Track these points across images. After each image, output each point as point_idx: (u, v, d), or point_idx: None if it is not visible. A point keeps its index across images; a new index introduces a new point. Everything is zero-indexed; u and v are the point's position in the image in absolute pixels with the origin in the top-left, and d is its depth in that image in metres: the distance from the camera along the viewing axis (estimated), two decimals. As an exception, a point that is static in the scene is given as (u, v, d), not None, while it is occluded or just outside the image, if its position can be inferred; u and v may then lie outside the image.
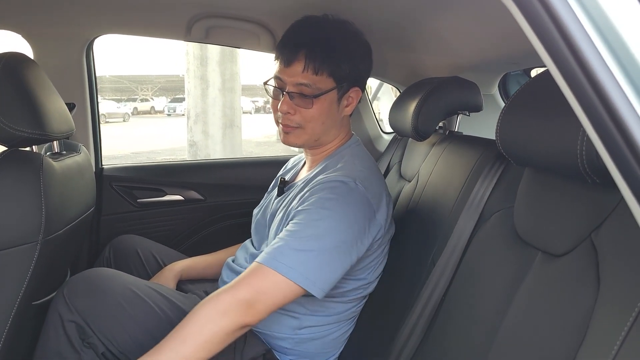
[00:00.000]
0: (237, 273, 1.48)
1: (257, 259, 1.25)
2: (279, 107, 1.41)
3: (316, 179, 1.39)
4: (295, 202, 1.39)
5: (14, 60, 1.31)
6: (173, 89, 36.77)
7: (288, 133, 1.45)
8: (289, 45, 1.42)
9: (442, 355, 1.16)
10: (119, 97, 33.19)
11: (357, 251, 1.30)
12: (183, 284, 1.74)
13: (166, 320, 1.38)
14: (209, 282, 1.74)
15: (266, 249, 1.27)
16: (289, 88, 1.40)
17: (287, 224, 1.33)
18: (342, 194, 1.30)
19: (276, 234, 1.37)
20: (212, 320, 1.17)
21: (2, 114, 1.22)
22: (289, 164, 1.80)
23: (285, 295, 1.23)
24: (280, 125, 1.45)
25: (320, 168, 1.47)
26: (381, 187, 1.43)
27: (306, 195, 1.34)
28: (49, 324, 1.36)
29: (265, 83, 1.48)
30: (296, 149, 1.69)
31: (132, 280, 1.47)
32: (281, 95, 1.41)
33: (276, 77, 1.44)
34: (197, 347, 1.14)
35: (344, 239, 1.28)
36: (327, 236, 1.26)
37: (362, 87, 1.51)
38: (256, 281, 1.22)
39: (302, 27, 1.46)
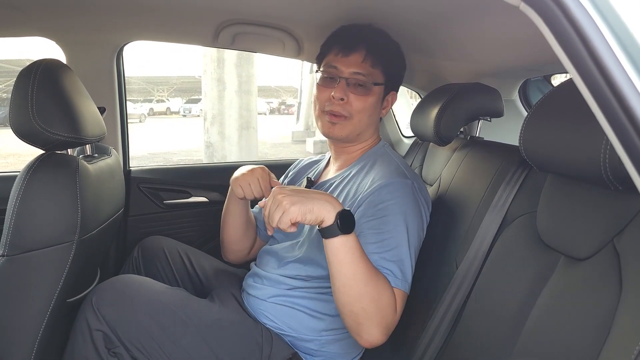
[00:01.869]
0: (265, 278, 1.53)
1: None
2: (333, 93, 1.46)
3: (365, 181, 1.43)
4: (341, 200, 1.44)
5: (50, 66, 1.35)
6: (188, 90, 36.95)
7: (334, 124, 1.49)
8: (349, 37, 1.48)
9: (465, 356, 1.19)
10: (135, 98, 33.46)
11: (421, 244, 1.39)
12: (211, 285, 1.76)
13: (194, 329, 1.39)
14: (234, 286, 1.74)
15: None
16: (346, 75, 1.45)
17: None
18: (406, 194, 1.37)
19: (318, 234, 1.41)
20: (368, 301, 1.19)
21: (40, 119, 1.26)
22: (302, 163, 1.83)
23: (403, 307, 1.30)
24: (327, 115, 1.49)
25: (358, 167, 1.52)
26: (422, 180, 1.51)
27: (368, 199, 1.37)
28: (76, 331, 1.36)
29: (317, 70, 1.54)
30: (312, 150, 1.72)
31: (159, 288, 1.48)
32: (337, 82, 1.46)
33: (330, 66, 1.49)
34: (353, 284, 1.18)
35: (418, 237, 1.36)
36: (409, 239, 1.32)
37: (397, 92, 1.58)
38: (399, 307, 1.27)
39: (357, 27, 1.53)
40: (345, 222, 1.14)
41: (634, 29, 0.62)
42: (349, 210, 1.17)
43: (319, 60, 1.57)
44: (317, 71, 1.55)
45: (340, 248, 1.16)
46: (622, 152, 0.63)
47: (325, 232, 1.15)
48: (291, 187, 1.19)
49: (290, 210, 1.12)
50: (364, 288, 1.18)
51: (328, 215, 1.14)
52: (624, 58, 0.61)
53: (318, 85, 1.52)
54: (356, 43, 1.46)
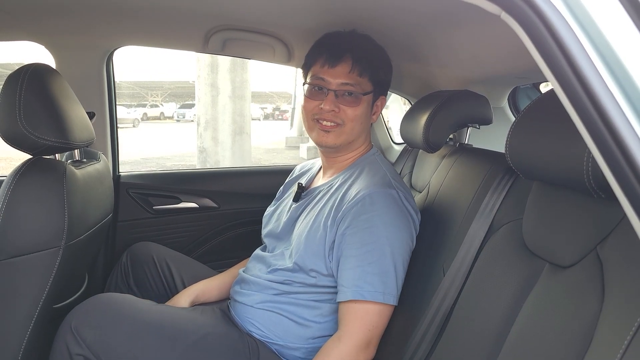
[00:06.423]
0: (252, 283, 1.52)
1: (346, 296, 1.31)
2: (323, 105, 1.45)
3: (351, 191, 1.42)
4: (327, 209, 1.43)
5: (38, 70, 1.35)
6: (182, 95, 36.96)
7: (328, 132, 1.48)
8: (334, 48, 1.47)
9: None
10: (129, 103, 33.41)
11: (411, 252, 1.41)
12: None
13: (180, 347, 1.36)
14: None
15: (345, 282, 1.32)
16: (334, 87, 1.45)
17: (332, 234, 1.39)
18: (390, 204, 1.37)
19: (307, 240, 1.42)
20: None
21: (27, 123, 1.26)
22: (296, 171, 1.83)
23: (388, 319, 1.34)
24: (318, 125, 1.49)
25: (346, 175, 1.51)
26: (409, 189, 1.51)
27: (353, 210, 1.37)
28: (56, 355, 1.31)
29: (304, 83, 1.53)
30: (305, 156, 1.72)
31: (142, 306, 1.45)
32: (325, 95, 1.46)
33: (317, 78, 1.48)
34: None
35: (405, 247, 1.37)
36: (393, 251, 1.34)
37: (386, 96, 1.59)
38: (367, 319, 1.31)
39: (341, 35, 1.52)
40: None
41: (612, 39, 0.62)
42: None
43: (304, 70, 1.56)
44: (303, 83, 1.54)
45: None
46: (602, 160, 0.64)
47: None
48: None
49: None
50: None
51: None
52: (603, 68, 0.62)
53: (306, 97, 1.51)
54: (342, 53, 1.45)
